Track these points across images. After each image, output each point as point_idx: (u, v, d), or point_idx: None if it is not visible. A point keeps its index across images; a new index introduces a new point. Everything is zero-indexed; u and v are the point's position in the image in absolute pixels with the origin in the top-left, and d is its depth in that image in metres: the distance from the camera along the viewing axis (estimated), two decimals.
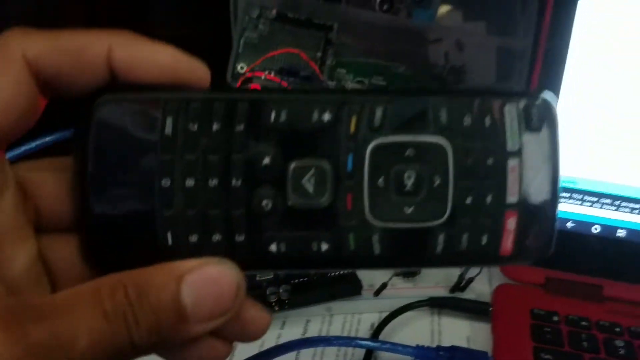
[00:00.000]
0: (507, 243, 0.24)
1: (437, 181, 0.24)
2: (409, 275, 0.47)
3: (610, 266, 0.46)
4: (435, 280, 0.47)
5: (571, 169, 0.46)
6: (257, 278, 0.44)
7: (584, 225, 0.46)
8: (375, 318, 0.45)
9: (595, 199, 0.46)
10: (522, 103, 0.24)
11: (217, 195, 0.23)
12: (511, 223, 0.24)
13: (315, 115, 0.24)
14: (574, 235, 0.46)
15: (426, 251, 0.24)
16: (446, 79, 0.66)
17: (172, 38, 0.64)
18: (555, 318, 0.44)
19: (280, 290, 0.43)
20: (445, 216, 0.24)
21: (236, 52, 0.61)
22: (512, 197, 0.24)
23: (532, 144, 0.24)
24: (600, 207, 0.46)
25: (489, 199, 0.24)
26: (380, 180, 0.24)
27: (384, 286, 0.45)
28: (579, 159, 0.46)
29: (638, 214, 0.45)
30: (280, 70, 0.61)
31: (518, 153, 0.24)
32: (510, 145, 0.24)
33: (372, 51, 0.64)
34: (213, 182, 0.23)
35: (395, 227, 0.24)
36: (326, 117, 0.24)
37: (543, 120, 0.24)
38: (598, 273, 0.46)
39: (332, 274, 0.46)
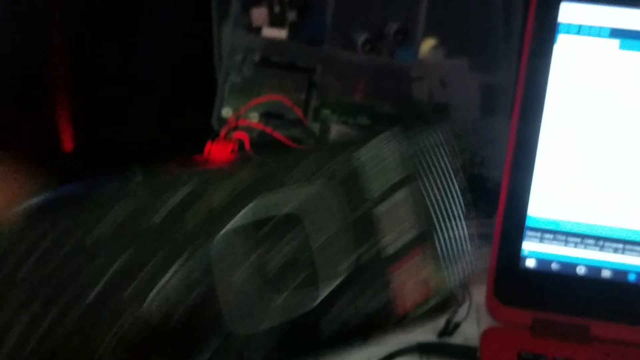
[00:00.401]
0: (400, 299, 0.22)
1: (304, 257, 0.20)
2: None
3: (597, 306, 0.46)
4: (423, 325, 0.47)
5: (554, 210, 0.46)
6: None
7: (568, 266, 0.46)
8: None
9: (578, 240, 0.46)
10: (371, 149, 0.22)
11: None
12: (396, 276, 0.22)
13: (147, 218, 0.19)
14: (559, 277, 0.47)
15: (315, 338, 0.21)
16: (430, 116, 0.67)
17: (157, 84, 0.65)
18: None
19: None
20: (324, 292, 0.20)
21: (221, 97, 0.61)
22: (390, 248, 0.22)
23: (395, 192, 0.22)
24: (584, 248, 0.46)
25: (366, 257, 0.21)
26: (240, 274, 0.19)
27: None
28: (562, 200, 0.46)
29: (622, 253, 0.46)
30: (266, 114, 0.61)
31: (382, 201, 0.22)
32: (374, 194, 0.22)
33: (356, 91, 0.65)
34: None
35: (269, 325, 0.20)
36: (156, 219, 0.19)
37: (403, 164, 0.23)
38: (584, 313, 0.46)
39: None
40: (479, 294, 0.48)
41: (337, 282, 0.21)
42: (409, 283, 0.22)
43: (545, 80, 0.44)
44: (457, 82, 0.67)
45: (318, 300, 0.21)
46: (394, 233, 0.22)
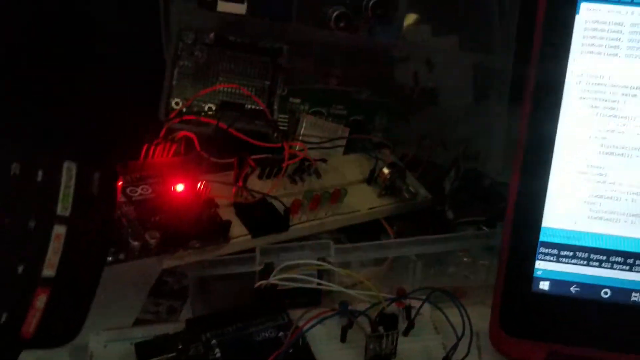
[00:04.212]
0: (31, 324, 0.22)
1: None
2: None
3: (626, 337, 0.38)
4: None
5: (574, 220, 0.37)
6: None
7: (591, 289, 0.38)
8: None
9: (604, 257, 0.37)
10: (82, 163, 0.22)
11: None
12: (41, 301, 0.22)
13: None
14: (579, 302, 0.38)
15: None
16: (416, 102, 0.58)
17: (93, 69, 0.54)
18: None
19: None
20: None
21: (169, 85, 0.52)
22: (48, 270, 0.22)
23: (81, 209, 0.22)
24: (611, 267, 0.37)
25: (20, 269, 0.21)
26: None
27: None
28: (584, 208, 0.37)
29: None
30: (224, 104, 0.52)
31: (67, 220, 0.22)
32: (61, 209, 0.22)
33: (329, 76, 0.56)
34: None
35: None
36: None
37: (103, 184, 0.23)
38: (610, 346, 0.38)
39: None
40: (481, 322, 0.40)
41: None
42: (39, 311, 0.22)
43: (565, 60, 0.36)
44: (445, 64, 0.58)
45: None
46: (54, 259, 0.22)
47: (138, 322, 0.43)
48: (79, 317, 0.24)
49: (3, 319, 0.21)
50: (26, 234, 0.21)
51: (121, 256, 0.35)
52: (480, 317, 0.40)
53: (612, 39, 0.36)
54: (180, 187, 0.39)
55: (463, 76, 0.59)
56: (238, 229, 0.40)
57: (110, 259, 0.34)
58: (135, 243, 0.35)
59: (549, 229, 0.38)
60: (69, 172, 0.23)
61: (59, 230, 0.22)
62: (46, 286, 0.22)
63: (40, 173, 0.22)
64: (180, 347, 0.37)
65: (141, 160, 0.40)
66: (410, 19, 0.58)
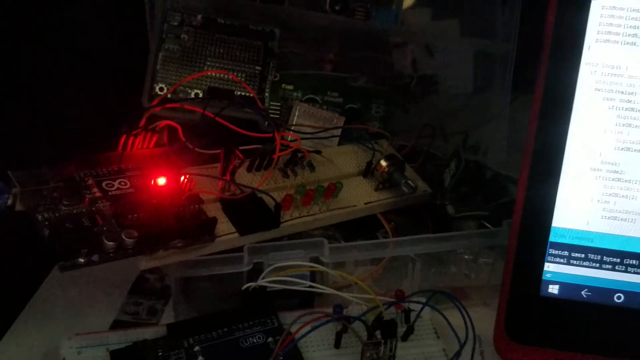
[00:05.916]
0: None
1: None
2: None
3: (636, 343, 0.36)
4: None
5: (586, 220, 0.35)
6: None
7: (603, 292, 0.35)
8: None
9: (617, 260, 0.35)
10: None
11: None
12: None
13: None
14: (590, 307, 0.36)
15: None
16: (415, 90, 0.55)
17: (75, 52, 0.51)
18: None
19: None
20: None
21: (153, 69, 0.49)
22: None
23: None
24: (625, 271, 0.35)
25: None
26: None
27: None
28: (597, 207, 0.35)
29: None
30: (212, 90, 0.49)
31: None
32: None
33: (324, 61, 0.53)
34: None
35: None
36: None
37: None
38: (622, 353, 0.36)
39: None
40: (483, 325, 0.37)
41: None
42: None
43: (579, 48, 0.33)
44: (446, 50, 0.55)
45: None
46: None
47: (116, 325, 0.41)
48: None
49: None
50: None
51: (94, 257, 0.32)
52: (483, 319, 0.38)
53: (631, 27, 0.33)
54: (161, 181, 0.36)
55: (464, 63, 0.56)
56: (225, 226, 0.37)
57: (82, 260, 0.32)
58: (110, 243, 0.32)
59: (559, 229, 0.35)
60: None
61: None
62: None
63: None
64: (160, 353, 0.34)
65: (119, 152, 0.37)
66: (409, 1, 0.55)
